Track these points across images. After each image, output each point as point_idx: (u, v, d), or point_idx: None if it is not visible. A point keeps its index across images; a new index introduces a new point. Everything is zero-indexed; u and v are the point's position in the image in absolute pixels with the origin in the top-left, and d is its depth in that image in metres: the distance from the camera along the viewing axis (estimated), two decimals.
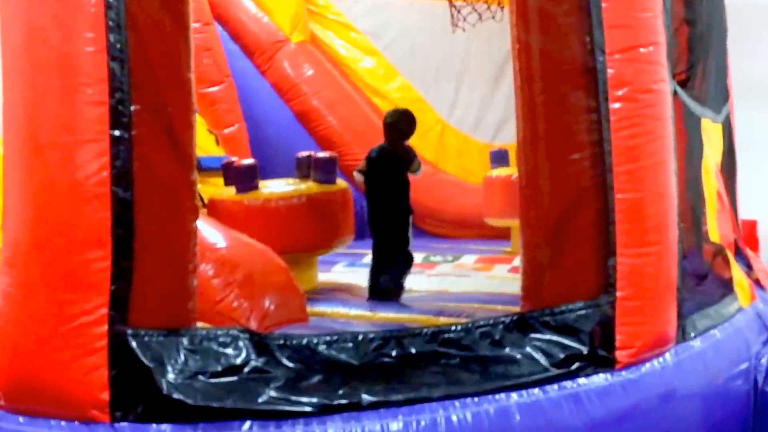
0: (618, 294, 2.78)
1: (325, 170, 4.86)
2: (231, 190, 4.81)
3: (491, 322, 2.77)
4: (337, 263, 5.92)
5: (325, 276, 5.27)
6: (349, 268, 5.83)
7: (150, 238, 2.50)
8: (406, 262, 4.56)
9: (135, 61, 2.48)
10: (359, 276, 5.38)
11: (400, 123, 4.65)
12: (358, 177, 4.63)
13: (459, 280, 5.08)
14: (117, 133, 2.45)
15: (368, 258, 6.11)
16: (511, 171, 6.17)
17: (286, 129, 7.52)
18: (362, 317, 4.11)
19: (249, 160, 4.97)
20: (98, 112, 2.44)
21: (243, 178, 4.71)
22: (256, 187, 4.73)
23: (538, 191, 3.02)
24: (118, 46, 2.46)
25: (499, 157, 6.49)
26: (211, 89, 6.95)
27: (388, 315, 4.10)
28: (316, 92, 7.56)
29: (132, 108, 2.47)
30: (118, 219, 2.43)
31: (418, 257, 6.08)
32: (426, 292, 4.78)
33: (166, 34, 2.59)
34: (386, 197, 4.48)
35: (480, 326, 2.69)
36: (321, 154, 5.02)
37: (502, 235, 6.57)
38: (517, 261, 5.75)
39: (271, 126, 7.49)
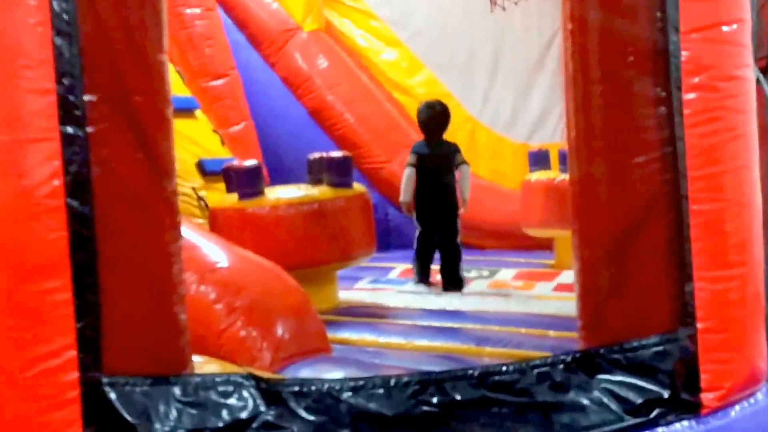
0: (699, 326, 2.54)
1: (339, 172, 4.54)
2: (233, 198, 4.51)
3: (549, 361, 2.48)
4: (360, 279, 5.63)
5: (347, 294, 4.97)
6: (375, 285, 5.52)
7: (119, 262, 2.18)
8: (459, 254, 5.13)
9: (88, 37, 2.14)
10: (386, 294, 5.08)
11: (435, 117, 5.18)
12: (410, 172, 5.01)
13: (497, 301, 4.75)
14: (69, 130, 2.11)
15: (395, 273, 5.86)
16: (552, 174, 5.85)
17: (299, 128, 7.26)
18: (394, 345, 3.80)
19: (252, 161, 4.65)
20: (43, 103, 2.10)
21: (245, 183, 4.40)
22: (260, 193, 4.42)
23: (596, 201, 2.73)
24: (65, 17, 2.12)
25: (539, 159, 6.16)
26: (214, 83, 6.69)
27: (422, 343, 3.79)
28: (331, 87, 7.29)
29: (86, 98, 2.14)
30: (76, 239, 2.11)
31: None
32: (461, 313, 4.47)
33: (130, 3, 2.22)
34: (440, 191, 5.03)
35: (537, 366, 2.41)
36: (334, 154, 4.70)
37: (543, 245, 6.24)
38: (563, 277, 5.61)
39: (282, 125, 7.22)
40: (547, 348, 3.55)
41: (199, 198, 5.81)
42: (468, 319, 4.30)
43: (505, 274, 5.71)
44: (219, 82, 6.76)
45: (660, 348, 2.51)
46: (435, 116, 5.15)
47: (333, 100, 7.35)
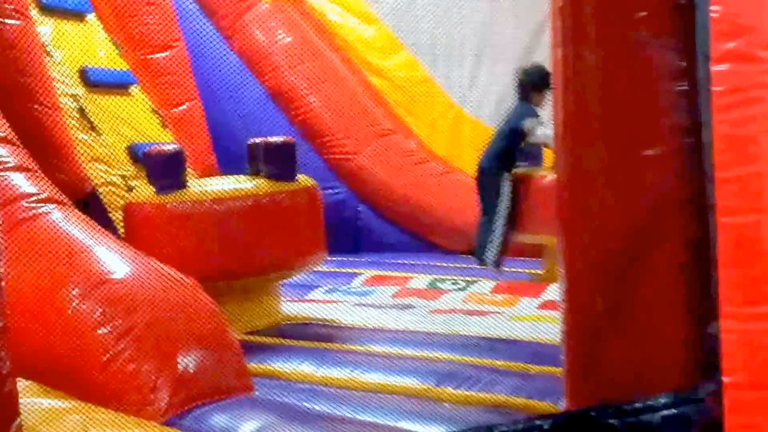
0: (726, 379, 2.03)
1: (280, 162, 3.90)
2: (150, 191, 3.87)
3: (523, 426, 1.89)
4: (315, 287, 5.03)
5: (294, 307, 4.35)
6: (330, 296, 4.91)
7: None
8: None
9: None
10: (341, 308, 4.47)
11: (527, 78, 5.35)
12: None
13: (471, 320, 4.15)
14: None
15: (359, 281, 5.26)
16: (545, 172, 5.25)
17: (256, 111, 6.64)
18: (334, 381, 3.19)
19: (171, 146, 4.00)
20: None
21: (163, 173, 3.77)
22: (181, 185, 3.78)
23: (590, 210, 2.16)
24: None
25: (531, 155, 5.56)
26: (155, 56, 6.06)
27: (370, 379, 3.18)
28: (294, 65, 6.69)
29: None
30: None
31: (421, 282, 5.23)
32: (426, 336, 3.86)
33: None
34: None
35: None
36: (273, 140, 4.06)
37: (532, 252, 5.65)
38: (551, 292, 5.04)
39: (236, 107, 6.59)
40: (526, 390, 2.96)
41: (130, 189, 5.17)
42: (433, 345, 3.70)
43: (484, 286, 5.12)
44: (162, 54, 6.13)
45: (672, 410, 2.06)
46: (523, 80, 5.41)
47: (296, 81, 6.75)
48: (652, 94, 2.11)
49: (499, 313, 4.38)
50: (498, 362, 3.37)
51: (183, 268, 3.23)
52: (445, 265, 5.88)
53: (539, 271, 5.45)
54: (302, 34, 6.87)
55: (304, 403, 2.89)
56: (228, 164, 6.36)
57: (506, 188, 5.23)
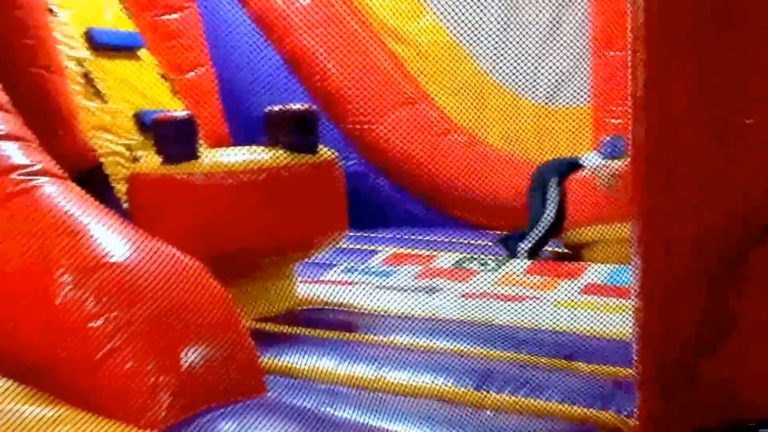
0: None
1: (299, 131, 3.46)
2: (157, 161, 3.46)
3: None
4: (332, 266, 4.63)
5: (310, 289, 3.94)
6: (349, 275, 4.51)
7: None
8: None
9: None
10: (361, 291, 4.07)
11: None
12: None
13: (507, 306, 3.74)
14: None
15: (377, 259, 4.87)
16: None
17: (272, 78, 6.21)
18: (358, 381, 2.79)
19: (182, 113, 3.56)
20: None
21: (173, 141, 3.35)
22: (192, 156, 3.37)
23: (679, 196, 1.74)
24: None
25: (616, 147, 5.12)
26: (165, 17, 5.63)
27: (400, 380, 2.78)
28: (312, 29, 6.23)
29: None
30: None
31: (447, 261, 4.83)
32: (458, 326, 3.46)
33: None
34: None
35: None
36: (294, 107, 3.63)
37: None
38: (592, 274, 4.63)
39: (250, 74, 6.18)
40: (579, 396, 2.55)
41: (135, 160, 4.79)
42: (466, 336, 3.29)
43: (517, 266, 4.70)
44: (172, 16, 5.71)
45: None
46: None
47: (314, 45, 6.30)
48: (755, 45, 1.69)
49: (537, 298, 3.97)
50: (544, 359, 2.97)
51: (192, 247, 2.84)
52: (471, 242, 5.47)
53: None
54: None
55: (325, 408, 2.50)
56: (240, 134, 5.99)
57: (554, 194, 4.92)
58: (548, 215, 4.98)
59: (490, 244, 5.40)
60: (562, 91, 6.93)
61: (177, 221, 3.30)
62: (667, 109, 1.83)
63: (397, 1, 6.95)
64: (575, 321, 3.43)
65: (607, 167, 4.83)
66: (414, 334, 3.36)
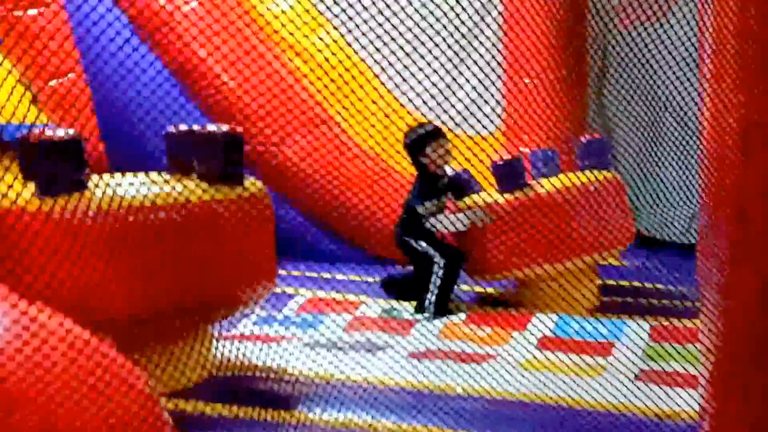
0: None
1: (220, 158, 2.75)
2: (31, 191, 2.63)
3: None
4: (245, 316, 3.86)
5: (228, 349, 3.19)
6: (266, 329, 3.77)
7: None
8: None
9: None
10: (289, 350, 3.36)
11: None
12: None
13: (466, 369, 3.13)
14: None
15: (293, 305, 4.17)
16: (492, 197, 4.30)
17: (156, 90, 5.39)
18: None
19: (67, 131, 2.73)
20: None
21: (52, 166, 2.53)
22: (81, 185, 2.56)
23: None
24: None
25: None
26: (24, 12, 4.76)
27: None
28: (203, 39, 5.46)
29: None
30: None
31: (375, 307, 4.20)
32: (410, 397, 2.83)
33: None
34: None
35: None
36: (216, 129, 2.90)
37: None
38: (541, 324, 4.09)
39: (130, 83, 5.34)
40: None
41: None
42: (424, 412, 2.67)
43: (454, 315, 4.11)
44: (33, 11, 4.83)
45: None
46: None
47: (206, 57, 5.54)
48: None
49: (494, 356, 3.38)
50: None
51: (82, 311, 2.09)
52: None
53: (508, 290, 4.52)
54: (214, 1, 5.68)
55: None
56: (119, 156, 5.18)
57: (422, 243, 4.32)
58: (438, 265, 4.28)
59: None
60: (472, 117, 6.48)
61: (59, 276, 2.49)
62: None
63: (296, 13, 6.29)
64: (546, 388, 2.89)
65: (479, 204, 4.29)
66: (365, 410, 2.72)
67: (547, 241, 4.19)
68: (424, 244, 4.34)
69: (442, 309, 4.15)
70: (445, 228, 4.30)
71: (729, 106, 1.48)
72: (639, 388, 2.93)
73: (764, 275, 1.37)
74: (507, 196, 4.25)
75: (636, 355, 3.38)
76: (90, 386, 1.82)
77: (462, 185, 4.48)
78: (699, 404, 1.66)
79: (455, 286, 4.32)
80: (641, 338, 3.63)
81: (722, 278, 1.39)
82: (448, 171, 4.43)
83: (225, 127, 2.92)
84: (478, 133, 6.47)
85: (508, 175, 4.33)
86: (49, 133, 2.66)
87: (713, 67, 1.52)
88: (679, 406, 2.68)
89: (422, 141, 4.44)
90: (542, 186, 4.28)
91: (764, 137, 1.44)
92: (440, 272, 4.26)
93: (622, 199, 4.48)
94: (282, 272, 4.73)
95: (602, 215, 4.30)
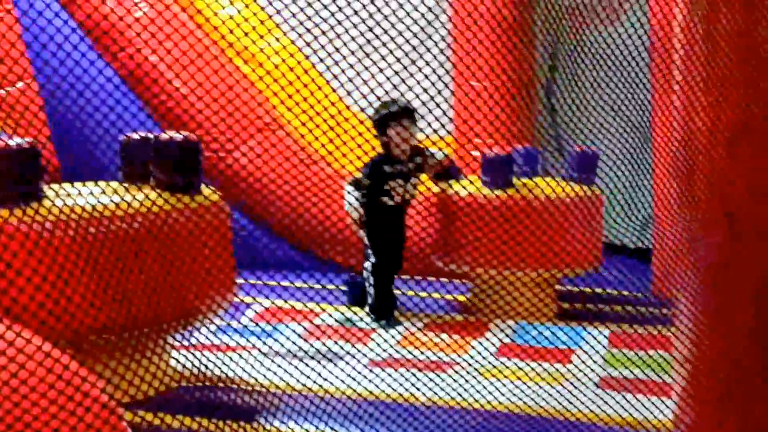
0: None
1: (177, 167, 2.68)
2: None
3: None
4: (199, 327, 3.78)
5: (186, 360, 3.11)
6: (223, 338, 3.70)
7: None
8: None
9: None
10: (247, 359, 3.29)
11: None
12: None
13: (427, 377, 3.10)
14: None
15: (249, 314, 4.10)
16: (471, 187, 4.26)
17: (107, 97, 5.28)
18: None
19: (20, 140, 2.63)
20: None
21: (5, 176, 2.44)
22: (34, 196, 2.48)
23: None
24: None
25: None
26: None
27: None
28: (153, 43, 5.36)
29: None
30: None
31: (332, 315, 4.14)
32: (372, 407, 2.79)
33: None
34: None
35: None
36: (174, 137, 2.83)
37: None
38: (498, 330, 4.07)
39: (80, 91, 5.22)
40: None
41: None
42: (386, 424, 2.63)
43: (413, 321, 4.09)
44: None
45: None
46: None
47: (156, 62, 5.44)
48: None
49: (454, 363, 3.36)
50: None
51: (34, 323, 2.02)
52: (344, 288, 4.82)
53: (464, 297, 4.50)
54: (162, 5, 5.58)
55: None
56: (70, 164, 5.06)
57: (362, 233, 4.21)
58: (370, 261, 4.15)
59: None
60: (422, 121, 6.48)
61: (13, 287, 2.41)
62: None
63: (245, 18, 6.20)
64: (509, 396, 2.87)
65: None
66: (314, 418, 2.67)
67: (520, 248, 4.08)
68: (363, 234, 4.19)
69: (382, 313, 4.02)
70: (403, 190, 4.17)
71: (699, 109, 1.46)
72: (600, 396, 2.93)
73: (756, 277, 1.34)
74: (497, 192, 4.13)
75: (596, 362, 3.39)
76: (43, 394, 1.75)
77: (449, 171, 4.38)
78: (674, 413, 1.65)
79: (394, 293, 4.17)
80: (601, 345, 3.64)
81: (708, 284, 1.37)
82: (437, 154, 4.27)
83: (181, 135, 2.85)
84: (428, 137, 6.49)
85: (497, 170, 4.24)
86: (2, 142, 2.57)
87: (684, 71, 1.51)
88: (642, 414, 2.69)
89: (385, 120, 4.20)
90: (529, 190, 4.15)
91: (750, 139, 1.42)
92: (370, 269, 4.14)
93: (599, 221, 4.35)
94: (239, 281, 4.68)
95: (577, 233, 4.16)
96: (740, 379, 1.30)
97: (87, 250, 2.43)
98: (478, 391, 2.95)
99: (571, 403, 2.82)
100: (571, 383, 3.06)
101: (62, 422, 1.76)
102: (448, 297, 4.57)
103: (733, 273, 1.41)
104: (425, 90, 6.10)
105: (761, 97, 1.38)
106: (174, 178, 2.66)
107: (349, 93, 5.35)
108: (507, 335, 3.80)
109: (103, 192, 2.66)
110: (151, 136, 2.88)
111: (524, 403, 2.92)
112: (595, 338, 3.67)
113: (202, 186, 2.89)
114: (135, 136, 2.97)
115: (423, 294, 4.62)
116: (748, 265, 1.39)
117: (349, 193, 4.18)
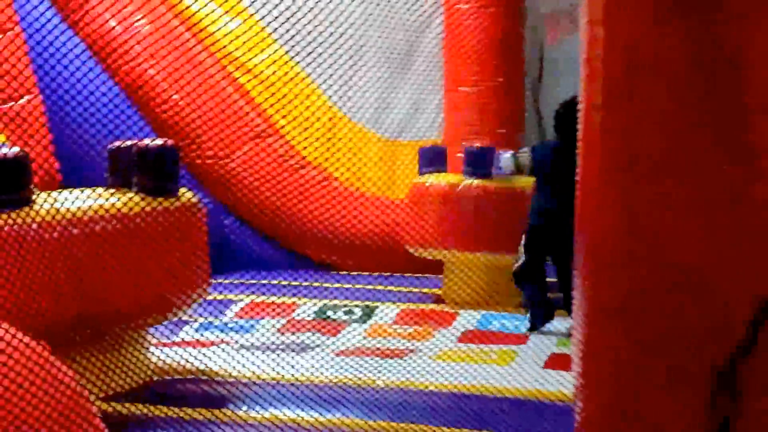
0: None
1: (156, 171, 2.95)
2: None
3: None
4: (186, 324, 4.05)
5: (166, 355, 3.36)
6: (205, 335, 3.96)
7: None
8: None
9: None
10: (224, 353, 3.53)
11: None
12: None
13: (388, 364, 3.34)
14: None
15: (232, 311, 4.35)
16: (451, 178, 4.54)
17: (109, 110, 5.55)
18: None
19: (10, 149, 2.91)
20: None
21: None
22: (25, 201, 2.75)
23: (638, 246, 1.44)
24: None
25: (434, 158, 4.83)
26: None
27: None
28: (153, 57, 5.65)
29: None
30: None
31: (309, 310, 4.39)
32: (340, 392, 3.03)
33: None
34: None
35: None
36: (150, 143, 3.09)
37: (426, 265, 4.95)
38: (464, 320, 4.29)
39: (83, 103, 5.49)
40: None
41: None
42: (347, 405, 2.87)
43: (385, 314, 4.32)
44: None
45: None
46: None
47: (155, 75, 5.71)
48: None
49: (416, 350, 3.60)
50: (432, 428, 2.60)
51: (19, 315, 2.27)
52: (329, 285, 5.07)
53: (439, 290, 4.73)
54: (162, 21, 5.85)
55: None
56: (73, 173, 5.32)
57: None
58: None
59: (348, 286, 5.03)
60: (412, 124, 6.71)
61: (6, 283, 2.68)
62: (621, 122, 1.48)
63: (243, 31, 6.48)
64: (459, 377, 3.10)
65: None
66: (292, 405, 2.91)
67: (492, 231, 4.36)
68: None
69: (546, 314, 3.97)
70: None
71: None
72: (547, 375, 3.16)
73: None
74: (478, 181, 4.44)
75: (549, 343, 3.61)
76: (16, 383, 1.97)
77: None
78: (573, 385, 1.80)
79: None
80: (561, 330, 3.85)
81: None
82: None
83: (159, 141, 3.11)
84: (418, 139, 6.72)
85: (478, 162, 4.53)
86: None
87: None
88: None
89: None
90: (507, 181, 4.46)
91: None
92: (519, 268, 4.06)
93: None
94: (223, 280, 4.94)
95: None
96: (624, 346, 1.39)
97: (70, 249, 2.69)
98: (433, 373, 3.18)
99: (517, 381, 3.04)
100: (521, 362, 3.28)
101: (33, 407, 1.98)
102: (425, 290, 4.81)
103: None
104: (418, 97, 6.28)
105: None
106: (150, 181, 2.91)
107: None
108: (471, 324, 4.03)
109: (86, 197, 2.91)
110: (133, 143, 3.14)
111: (475, 383, 3.14)
112: (554, 324, 3.89)
113: (180, 188, 3.14)
114: (121, 143, 3.23)
115: (403, 288, 4.87)
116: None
117: None
